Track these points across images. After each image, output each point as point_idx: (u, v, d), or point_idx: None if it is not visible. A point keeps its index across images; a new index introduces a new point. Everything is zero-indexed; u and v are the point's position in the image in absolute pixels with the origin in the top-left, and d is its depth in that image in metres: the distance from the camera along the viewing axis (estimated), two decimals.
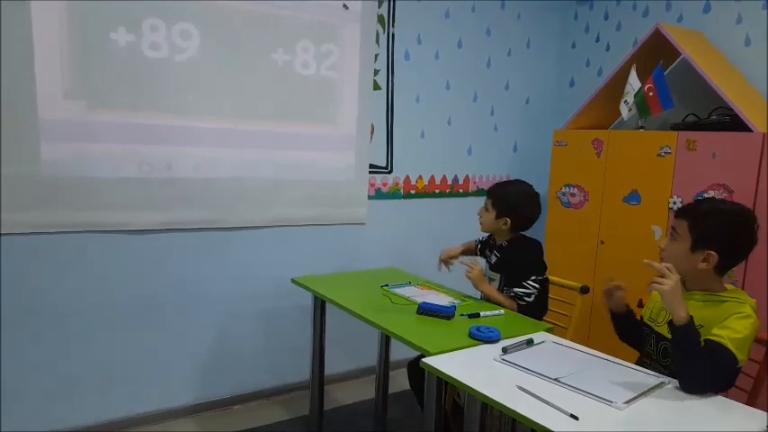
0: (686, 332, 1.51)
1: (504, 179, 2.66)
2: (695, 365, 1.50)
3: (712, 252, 1.60)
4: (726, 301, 1.62)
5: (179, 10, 2.48)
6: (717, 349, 1.49)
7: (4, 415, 2.34)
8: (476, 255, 2.56)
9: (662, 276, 1.54)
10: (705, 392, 1.50)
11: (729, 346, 1.49)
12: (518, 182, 2.37)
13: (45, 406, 2.43)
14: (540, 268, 2.26)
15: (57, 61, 2.27)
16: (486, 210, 2.31)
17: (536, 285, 2.20)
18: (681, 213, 1.70)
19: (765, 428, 1.35)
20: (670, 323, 1.56)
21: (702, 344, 1.52)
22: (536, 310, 2.21)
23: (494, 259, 2.38)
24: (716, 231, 1.61)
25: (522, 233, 2.34)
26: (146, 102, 2.47)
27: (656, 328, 1.79)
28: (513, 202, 2.26)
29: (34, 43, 2.21)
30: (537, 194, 2.33)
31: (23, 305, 2.34)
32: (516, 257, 2.26)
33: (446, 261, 2.50)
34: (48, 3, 2.21)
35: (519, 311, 2.17)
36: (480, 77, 3.52)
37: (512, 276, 2.25)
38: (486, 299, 2.29)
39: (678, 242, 1.67)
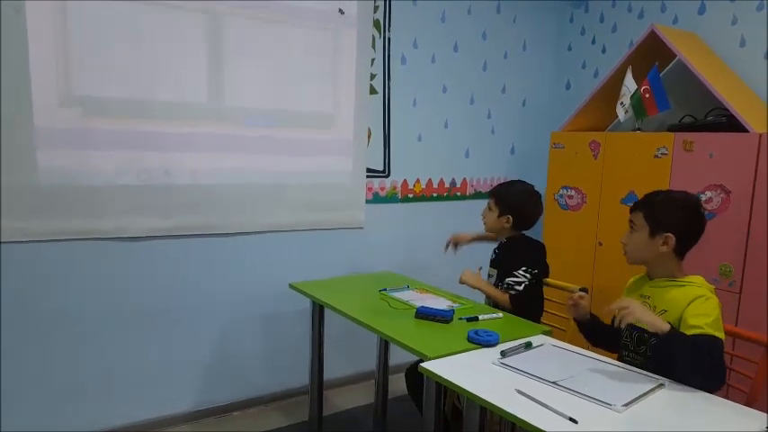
0: (670, 338, 1.54)
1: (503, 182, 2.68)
2: (703, 366, 1.53)
3: (670, 234, 1.71)
4: (685, 286, 1.71)
5: (175, 15, 2.47)
6: (703, 341, 1.54)
7: (5, 417, 2.34)
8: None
9: (623, 308, 1.58)
10: (721, 384, 1.56)
11: (711, 332, 1.55)
12: (519, 182, 2.43)
13: (45, 411, 2.43)
14: (537, 265, 2.27)
15: (52, 68, 2.27)
16: (490, 209, 2.37)
17: (526, 275, 2.22)
18: (636, 207, 1.82)
19: (765, 429, 1.35)
20: (657, 336, 1.59)
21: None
22: (529, 304, 2.22)
23: (492, 256, 2.41)
24: (670, 216, 1.74)
25: (525, 233, 2.36)
26: (142, 108, 2.47)
27: None
28: (514, 200, 2.31)
29: (29, 50, 2.20)
30: (538, 194, 2.37)
31: (24, 312, 2.33)
32: (512, 253, 2.30)
33: (456, 243, 2.54)
34: (43, 8, 2.21)
35: (511, 302, 2.19)
36: (477, 80, 3.52)
37: (507, 271, 2.28)
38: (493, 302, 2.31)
39: (637, 232, 1.79)
